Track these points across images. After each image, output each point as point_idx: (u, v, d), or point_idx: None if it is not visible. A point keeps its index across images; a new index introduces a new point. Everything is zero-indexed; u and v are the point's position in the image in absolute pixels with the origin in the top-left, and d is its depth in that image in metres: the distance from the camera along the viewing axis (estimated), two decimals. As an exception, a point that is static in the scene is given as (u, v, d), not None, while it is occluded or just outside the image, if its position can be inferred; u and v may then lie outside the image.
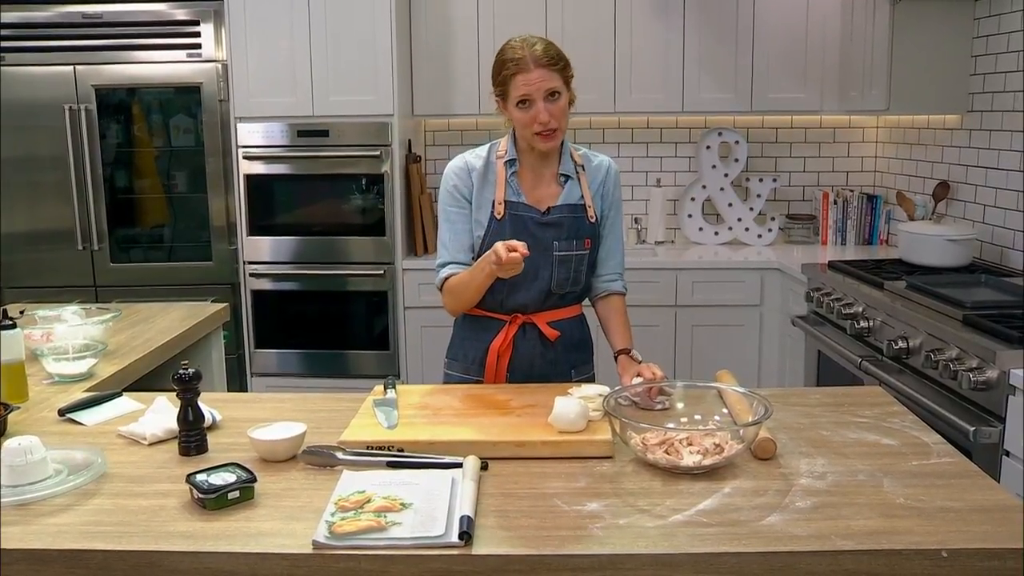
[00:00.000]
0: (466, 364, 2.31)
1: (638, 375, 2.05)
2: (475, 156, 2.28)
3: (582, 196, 2.24)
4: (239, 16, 4.10)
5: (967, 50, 3.71)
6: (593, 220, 2.25)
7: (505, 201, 2.20)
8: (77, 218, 4.30)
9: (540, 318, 2.25)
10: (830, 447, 1.74)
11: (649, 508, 1.48)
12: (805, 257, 4.16)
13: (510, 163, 2.23)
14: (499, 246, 1.96)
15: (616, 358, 2.24)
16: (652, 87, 4.41)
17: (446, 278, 2.23)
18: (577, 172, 2.26)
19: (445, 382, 2.35)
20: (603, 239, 2.31)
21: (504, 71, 2.14)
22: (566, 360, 2.30)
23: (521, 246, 1.96)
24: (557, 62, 2.15)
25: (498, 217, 2.20)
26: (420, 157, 4.53)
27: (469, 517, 1.40)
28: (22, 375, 2.13)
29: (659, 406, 1.90)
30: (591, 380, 2.36)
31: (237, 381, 4.33)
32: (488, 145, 2.30)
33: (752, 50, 4.36)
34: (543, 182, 2.25)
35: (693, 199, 4.68)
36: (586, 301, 2.38)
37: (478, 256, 2.20)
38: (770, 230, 4.63)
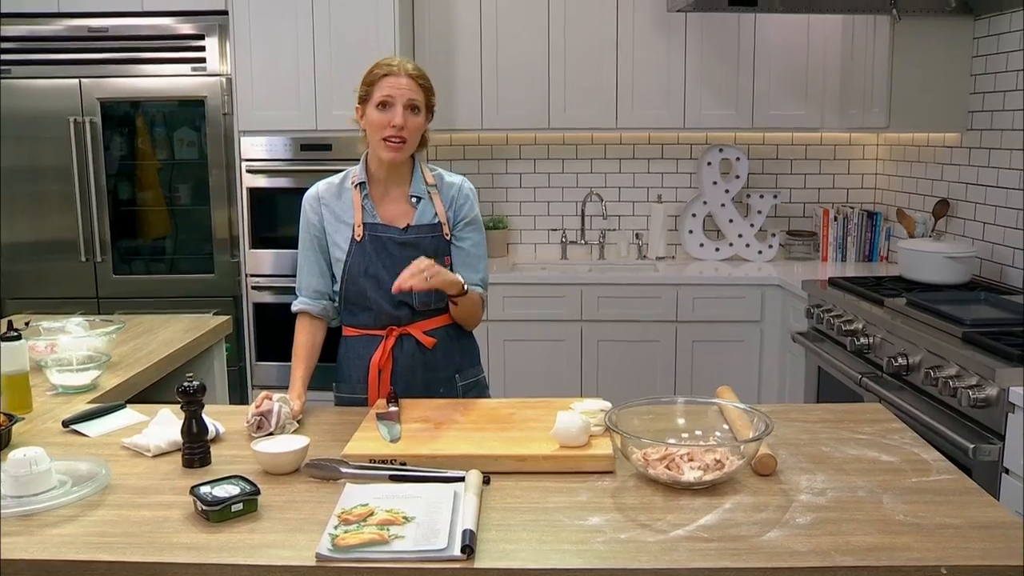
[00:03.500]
0: (351, 384, 2.32)
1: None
2: (328, 184, 2.32)
3: (436, 215, 2.27)
4: (244, 30, 4.13)
5: (966, 69, 3.73)
6: (449, 237, 2.28)
7: (363, 223, 2.23)
8: (80, 229, 4.31)
9: (416, 328, 2.27)
10: (830, 463, 1.75)
11: (650, 523, 1.49)
12: (805, 273, 4.18)
13: (361, 186, 2.27)
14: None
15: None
16: (654, 103, 4.44)
17: (297, 312, 2.33)
18: (429, 192, 2.29)
19: (336, 405, 2.37)
20: (460, 250, 2.30)
21: (375, 72, 2.20)
22: (447, 364, 2.32)
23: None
24: (426, 82, 2.25)
25: (358, 239, 2.23)
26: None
27: (471, 531, 1.41)
28: (26, 386, 2.14)
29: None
30: (478, 384, 2.40)
31: (238, 393, 4.33)
32: (344, 173, 2.34)
33: (753, 67, 4.39)
34: (395, 202, 2.28)
35: (694, 215, 4.70)
36: None
37: (341, 278, 2.26)
38: (771, 246, 4.65)
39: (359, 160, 2.31)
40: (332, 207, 2.28)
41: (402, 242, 2.23)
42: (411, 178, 2.29)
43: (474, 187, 2.38)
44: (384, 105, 2.16)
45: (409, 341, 2.26)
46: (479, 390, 2.40)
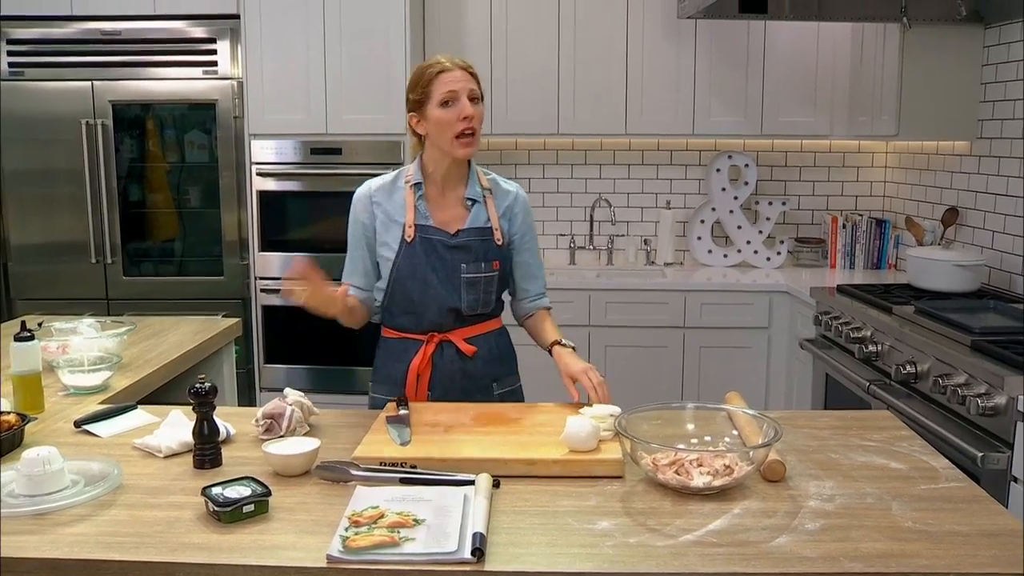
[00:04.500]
0: (388, 386, 2.31)
1: (573, 381, 2.15)
2: (380, 182, 2.31)
3: (488, 219, 2.27)
4: (255, 34, 4.15)
5: (976, 77, 3.73)
6: (500, 243, 2.27)
7: (415, 224, 2.22)
8: (91, 231, 4.34)
9: (457, 335, 2.27)
10: (839, 470, 1.76)
11: (659, 528, 1.50)
12: (813, 280, 4.18)
13: (417, 186, 2.25)
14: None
15: (551, 353, 2.31)
16: (663, 109, 4.45)
17: None
18: (484, 196, 2.29)
19: (371, 406, 2.37)
20: (522, 263, 2.35)
21: (427, 74, 2.17)
22: (486, 373, 2.32)
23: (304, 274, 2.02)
24: (475, 74, 2.21)
25: (408, 240, 2.22)
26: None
27: (481, 534, 1.41)
28: (38, 386, 2.16)
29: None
30: (514, 392, 2.40)
31: (246, 396, 4.35)
32: (397, 171, 2.33)
33: (763, 74, 4.40)
34: (449, 205, 2.27)
35: (702, 221, 4.71)
36: (508, 318, 2.42)
37: (388, 278, 2.25)
38: (779, 253, 4.65)
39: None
40: (384, 206, 2.26)
41: (452, 246, 2.22)
42: (467, 181, 2.28)
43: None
44: (448, 102, 2.14)
45: (449, 348, 2.26)
46: (515, 399, 2.39)
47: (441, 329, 2.25)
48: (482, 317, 2.30)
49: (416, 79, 2.19)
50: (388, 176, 2.32)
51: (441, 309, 2.23)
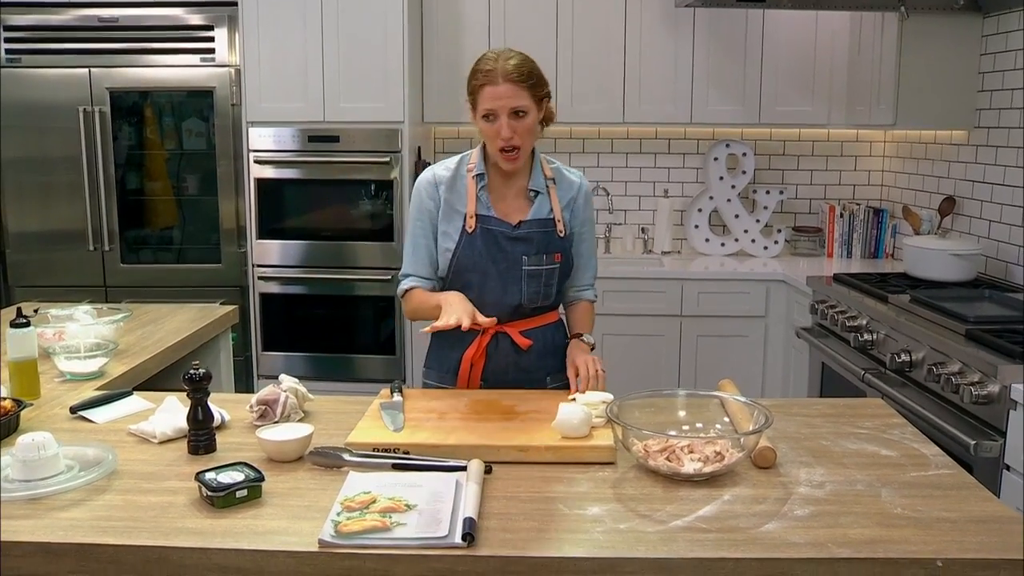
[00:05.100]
0: (440, 372, 2.31)
1: (576, 372, 2.12)
2: (444, 168, 2.27)
3: (551, 210, 2.24)
4: (253, 21, 4.14)
5: (974, 67, 3.73)
6: (563, 234, 2.24)
7: (476, 215, 2.20)
8: (89, 218, 4.34)
9: (513, 328, 2.24)
10: (829, 457, 1.77)
11: (649, 513, 1.51)
12: (810, 269, 4.18)
13: (479, 177, 2.23)
14: (464, 318, 2.00)
15: (570, 341, 2.31)
16: (661, 98, 4.44)
17: (407, 289, 2.27)
18: (547, 186, 2.25)
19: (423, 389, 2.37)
20: (579, 255, 2.33)
21: (475, 80, 2.14)
22: (540, 367, 2.29)
23: (487, 322, 2.05)
24: (528, 79, 2.13)
25: (469, 231, 2.19)
26: (429, 164, 4.56)
27: (472, 519, 1.42)
28: (34, 372, 2.17)
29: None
30: (567, 386, 2.36)
31: (244, 383, 4.36)
32: (459, 157, 2.30)
33: (761, 63, 4.39)
34: (512, 196, 2.25)
35: (700, 210, 4.71)
36: (562, 308, 2.42)
37: (447, 269, 2.22)
38: (776, 242, 4.65)
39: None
40: (448, 194, 2.23)
41: (514, 237, 2.19)
42: (530, 171, 2.25)
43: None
44: (489, 116, 2.11)
45: (505, 340, 2.24)
46: None
47: (498, 321, 2.19)
48: (541, 310, 2.28)
49: (469, 78, 2.16)
50: (450, 162, 2.28)
51: (500, 302, 2.20)
